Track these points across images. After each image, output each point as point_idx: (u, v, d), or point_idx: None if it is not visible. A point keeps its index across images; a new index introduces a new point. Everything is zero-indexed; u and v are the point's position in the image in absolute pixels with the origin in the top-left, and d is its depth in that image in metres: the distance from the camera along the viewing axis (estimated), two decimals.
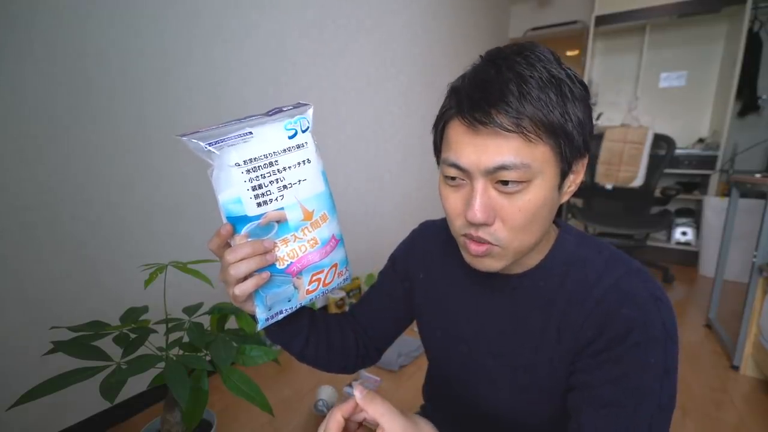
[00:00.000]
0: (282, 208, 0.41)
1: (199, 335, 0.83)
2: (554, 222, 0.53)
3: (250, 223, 0.40)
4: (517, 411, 0.53)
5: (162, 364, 0.77)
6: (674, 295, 2.49)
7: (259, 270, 0.41)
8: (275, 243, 0.42)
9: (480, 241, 0.43)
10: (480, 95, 0.39)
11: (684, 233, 3.06)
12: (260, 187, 0.39)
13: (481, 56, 0.44)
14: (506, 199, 0.41)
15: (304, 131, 0.41)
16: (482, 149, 0.40)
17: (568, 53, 4.87)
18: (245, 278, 0.41)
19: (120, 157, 1.18)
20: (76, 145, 1.08)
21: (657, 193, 2.70)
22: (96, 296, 1.16)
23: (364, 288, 2.23)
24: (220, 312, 0.93)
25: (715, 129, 2.94)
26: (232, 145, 0.37)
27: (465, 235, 0.45)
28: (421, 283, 0.62)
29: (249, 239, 0.41)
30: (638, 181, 2.65)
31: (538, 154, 0.39)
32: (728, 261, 1.87)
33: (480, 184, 0.41)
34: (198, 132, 0.37)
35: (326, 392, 1.32)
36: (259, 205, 0.39)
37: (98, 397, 0.69)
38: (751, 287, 1.54)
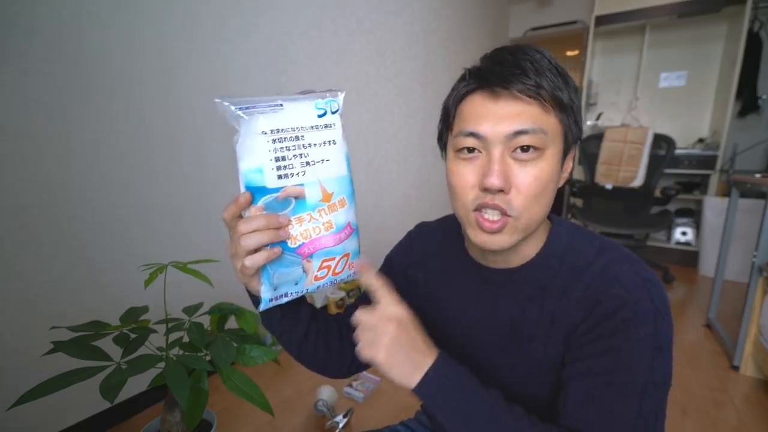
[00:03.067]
0: (302, 185, 0.40)
1: (199, 335, 0.83)
2: (548, 217, 0.54)
3: (268, 195, 0.39)
4: (519, 402, 0.54)
5: (162, 364, 0.77)
6: (674, 295, 2.48)
7: (271, 246, 0.40)
8: (290, 220, 0.41)
9: (493, 218, 0.44)
10: (500, 69, 0.43)
11: (684, 233, 3.06)
12: (283, 159, 0.39)
13: (491, 51, 0.47)
14: (521, 167, 0.43)
15: (333, 112, 0.41)
16: (502, 116, 0.42)
17: (568, 53, 4.87)
18: (255, 252, 0.40)
19: (120, 157, 1.18)
20: (76, 145, 1.08)
21: (657, 193, 2.70)
22: (96, 296, 1.16)
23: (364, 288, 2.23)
24: (220, 312, 0.93)
25: (715, 129, 2.94)
26: (261, 112, 0.38)
27: (478, 210, 0.45)
28: (419, 283, 0.63)
29: (264, 212, 0.40)
30: (638, 181, 2.65)
31: (551, 123, 0.43)
32: (728, 261, 1.87)
33: (498, 151, 0.43)
34: (231, 97, 0.37)
35: (326, 392, 1.32)
36: (280, 177, 0.39)
37: (98, 397, 0.69)
38: (751, 287, 1.54)
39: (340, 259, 0.45)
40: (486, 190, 0.43)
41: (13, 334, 1.02)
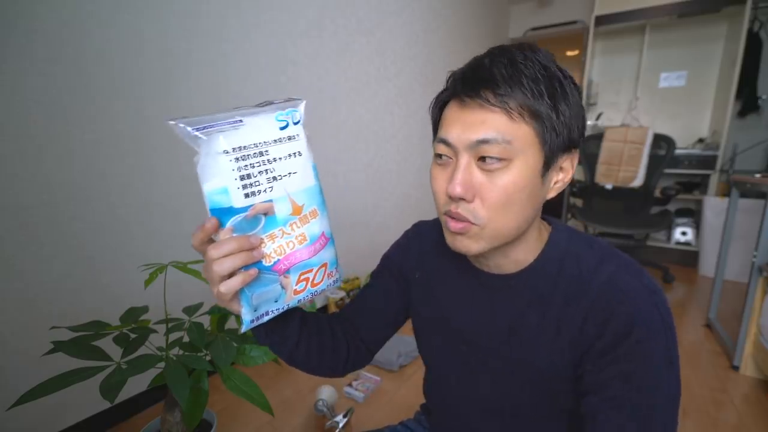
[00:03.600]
0: (270, 201, 0.39)
1: (199, 335, 0.83)
2: (546, 220, 0.54)
3: (236, 216, 0.38)
4: (518, 406, 0.54)
5: (162, 364, 0.77)
6: (674, 295, 2.49)
7: (246, 267, 0.39)
8: (262, 239, 0.40)
9: (459, 219, 0.44)
10: (471, 75, 0.42)
11: (684, 233, 3.06)
12: (248, 177, 0.37)
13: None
14: (487, 177, 0.42)
15: (295, 123, 0.40)
16: (468, 124, 0.42)
17: (568, 53, 4.87)
18: (230, 276, 0.39)
19: (120, 157, 1.18)
20: (76, 145, 1.08)
21: (657, 193, 2.70)
22: (96, 296, 1.16)
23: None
24: (220, 312, 0.93)
25: (715, 129, 2.94)
26: (221, 131, 0.36)
27: (446, 213, 0.46)
28: (416, 282, 0.63)
29: (234, 234, 0.39)
30: (638, 181, 2.65)
31: (520, 133, 0.41)
32: (728, 261, 1.87)
33: (463, 160, 0.43)
34: (186, 118, 0.36)
35: (326, 392, 1.32)
36: (246, 195, 0.38)
37: (98, 397, 0.69)
38: (751, 287, 1.54)
39: (318, 269, 0.45)
40: (450, 197, 0.44)
41: (13, 334, 1.02)
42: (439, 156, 0.46)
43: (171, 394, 0.85)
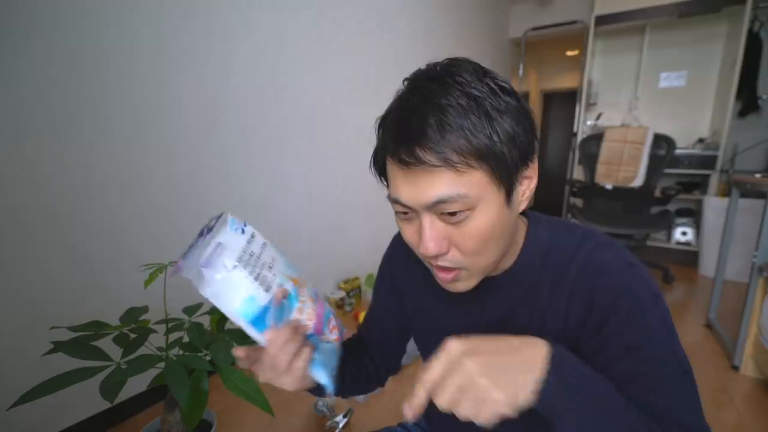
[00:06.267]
0: (281, 284, 0.44)
1: (199, 335, 0.83)
2: (524, 214, 0.53)
3: (269, 311, 0.42)
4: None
5: (162, 364, 0.77)
6: (674, 295, 2.48)
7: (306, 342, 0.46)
8: (297, 318, 0.46)
9: (446, 269, 0.44)
10: (402, 134, 0.39)
11: (684, 233, 3.06)
12: (259, 276, 0.42)
13: (405, 81, 0.44)
14: (455, 227, 0.41)
15: (244, 225, 0.45)
16: (417, 186, 0.40)
17: (568, 53, 4.87)
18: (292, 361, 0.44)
19: (119, 157, 1.18)
20: (75, 145, 1.08)
21: (657, 193, 2.70)
22: (96, 296, 1.16)
23: (364, 288, 2.23)
24: (220, 312, 0.92)
25: (715, 129, 2.94)
26: (218, 255, 0.40)
27: (429, 263, 0.46)
28: (408, 289, 0.63)
29: (278, 326, 0.43)
30: (638, 181, 2.65)
31: (473, 181, 0.39)
32: (728, 261, 1.87)
33: (426, 219, 0.41)
34: (180, 265, 0.39)
35: None
36: (266, 290, 0.42)
37: (98, 397, 0.69)
38: (751, 287, 1.54)
39: (332, 316, 0.52)
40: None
41: (13, 334, 1.02)
42: (401, 213, 0.44)
43: (171, 394, 0.85)
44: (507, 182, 0.41)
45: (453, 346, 0.35)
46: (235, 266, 0.40)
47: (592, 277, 0.44)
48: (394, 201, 0.43)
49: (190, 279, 0.38)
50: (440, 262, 0.44)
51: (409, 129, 0.39)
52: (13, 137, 0.98)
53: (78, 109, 1.08)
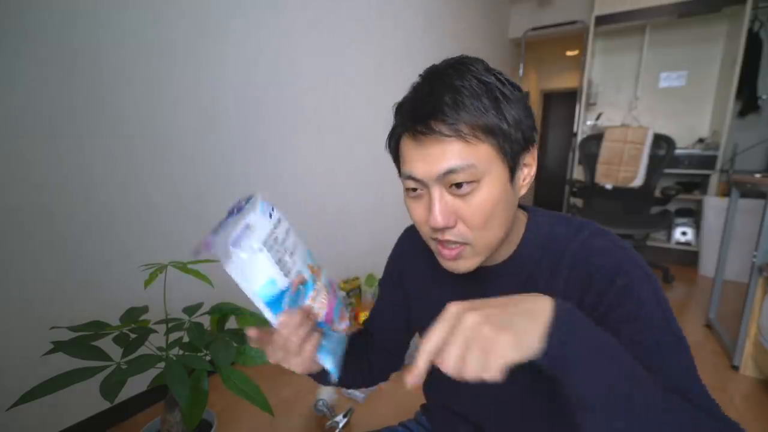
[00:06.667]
0: (299, 272, 0.46)
1: (199, 335, 0.83)
2: (523, 208, 0.56)
3: (286, 295, 0.43)
4: (518, 401, 0.54)
5: (162, 364, 0.77)
6: (674, 295, 2.48)
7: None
8: (311, 305, 0.46)
9: (449, 246, 0.46)
10: (419, 110, 0.43)
11: (684, 233, 3.06)
12: (280, 260, 0.43)
13: (420, 75, 0.48)
14: (462, 200, 0.44)
15: (272, 209, 0.46)
16: (429, 158, 0.43)
17: (568, 53, 4.87)
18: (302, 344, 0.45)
19: (119, 156, 1.18)
20: (74, 145, 1.08)
21: (657, 193, 2.70)
22: (95, 296, 1.16)
23: (364, 288, 2.23)
24: (220, 312, 0.93)
25: (715, 129, 2.94)
26: (247, 237, 0.41)
27: (434, 240, 0.48)
28: (414, 285, 0.64)
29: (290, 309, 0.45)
30: (638, 181, 2.65)
31: (481, 153, 0.43)
32: (728, 261, 1.87)
33: (436, 191, 0.44)
34: (209, 242, 0.39)
35: (326, 392, 1.32)
36: (285, 275, 0.43)
37: (98, 397, 0.69)
38: (751, 287, 1.54)
39: (343, 306, 0.53)
40: (433, 228, 0.45)
41: (13, 334, 1.02)
42: (410, 190, 0.47)
43: (171, 394, 0.85)
44: (511, 160, 0.45)
45: (452, 307, 0.36)
46: (260, 249, 0.41)
47: (588, 259, 0.47)
48: (407, 176, 0.46)
49: (217, 255, 0.39)
50: (447, 236, 0.46)
51: (427, 105, 0.43)
52: (12, 137, 0.98)
53: (77, 109, 1.08)
